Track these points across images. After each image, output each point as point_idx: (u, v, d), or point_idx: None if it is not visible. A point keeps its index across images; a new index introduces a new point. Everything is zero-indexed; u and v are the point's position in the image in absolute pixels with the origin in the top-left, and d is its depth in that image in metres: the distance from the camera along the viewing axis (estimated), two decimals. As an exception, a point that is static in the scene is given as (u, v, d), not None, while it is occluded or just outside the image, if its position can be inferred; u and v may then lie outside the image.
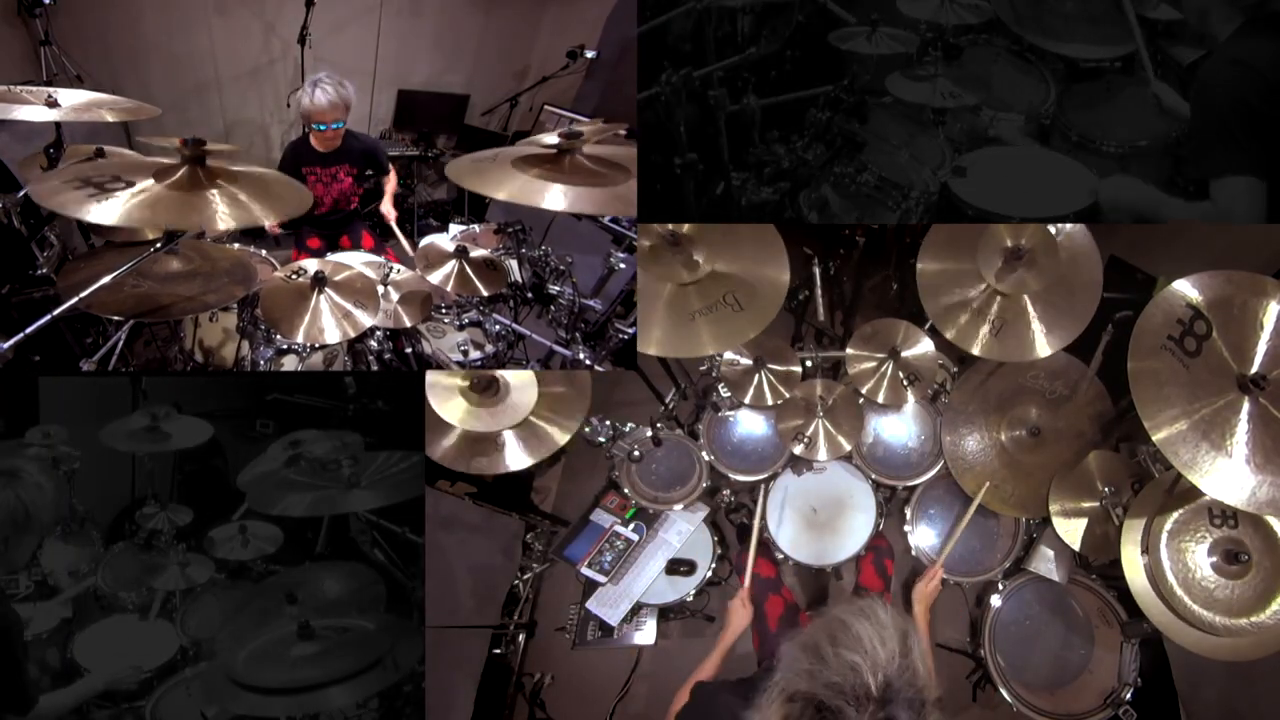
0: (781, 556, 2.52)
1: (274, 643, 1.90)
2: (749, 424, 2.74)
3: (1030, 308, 2.24)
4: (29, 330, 1.79)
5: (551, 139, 2.10)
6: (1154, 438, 1.74)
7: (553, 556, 2.92)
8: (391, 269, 2.76)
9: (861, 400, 2.54)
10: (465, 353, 2.64)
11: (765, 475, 2.60)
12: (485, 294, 2.71)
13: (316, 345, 2.56)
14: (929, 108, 2.21)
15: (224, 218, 1.80)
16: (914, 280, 2.32)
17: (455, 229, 3.36)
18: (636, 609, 2.57)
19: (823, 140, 2.24)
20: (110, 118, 2.33)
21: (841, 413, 2.51)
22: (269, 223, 3.02)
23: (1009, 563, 2.44)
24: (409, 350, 2.70)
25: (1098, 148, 2.19)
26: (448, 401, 2.14)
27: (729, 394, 2.55)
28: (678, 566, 2.58)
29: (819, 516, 2.55)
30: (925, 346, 2.50)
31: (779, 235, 2.19)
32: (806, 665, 1.11)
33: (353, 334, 2.37)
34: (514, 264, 2.95)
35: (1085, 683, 2.34)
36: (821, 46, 2.28)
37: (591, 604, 2.55)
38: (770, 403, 2.53)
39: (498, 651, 2.78)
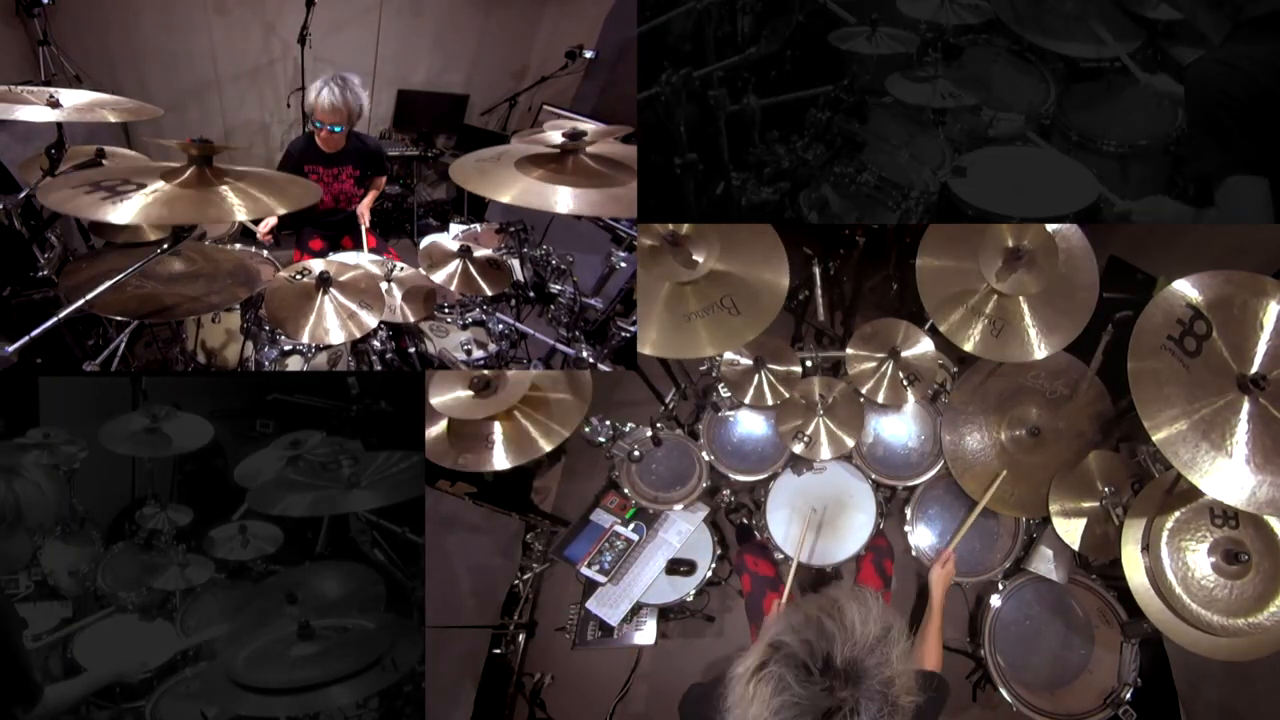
0: (781, 556, 2.52)
1: (274, 643, 1.89)
2: (749, 424, 2.74)
3: (1028, 308, 2.24)
4: (34, 333, 1.78)
5: (555, 137, 2.10)
6: (1154, 438, 1.74)
7: (553, 556, 2.92)
8: (395, 267, 2.76)
9: (861, 400, 2.54)
10: (468, 351, 2.64)
11: (765, 475, 2.60)
12: (489, 293, 2.71)
13: (320, 346, 2.55)
14: (929, 108, 2.21)
15: (238, 209, 1.80)
16: (914, 280, 2.32)
17: (456, 228, 3.36)
18: (636, 609, 2.57)
19: (823, 140, 2.24)
20: (112, 118, 2.32)
21: (841, 412, 2.51)
22: (263, 229, 3.04)
23: (1009, 563, 2.44)
24: (412, 350, 2.70)
25: (1098, 148, 2.19)
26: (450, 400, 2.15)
27: (729, 394, 2.55)
28: (678, 566, 2.58)
29: (819, 516, 2.55)
30: (925, 346, 2.50)
31: (778, 236, 2.19)
32: (793, 621, 1.18)
33: (358, 334, 2.37)
34: (516, 263, 2.95)
35: (1085, 683, 2.34)
36: (821, 46, 2.28)
37: (591, 604, 2.55)
38: (770, 403, 2.53)
39: (498, 651, 2.79)
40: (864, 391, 2.49)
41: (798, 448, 2.48)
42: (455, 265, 2.70)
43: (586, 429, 2.30)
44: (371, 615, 2.02)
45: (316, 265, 2.50)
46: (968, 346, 2.25)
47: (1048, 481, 2.34)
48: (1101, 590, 2.35)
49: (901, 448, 2.65)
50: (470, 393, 2.16)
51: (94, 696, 2.14)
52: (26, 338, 1.76)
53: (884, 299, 3.33)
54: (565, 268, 2.97)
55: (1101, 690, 2.29)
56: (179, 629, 2.35)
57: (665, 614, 2.69)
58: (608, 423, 2.35)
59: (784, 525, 2.54)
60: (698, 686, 1.67)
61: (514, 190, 1.95)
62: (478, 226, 3.34)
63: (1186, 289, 1.83)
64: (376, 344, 2.58)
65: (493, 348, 2.73)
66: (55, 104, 2.21)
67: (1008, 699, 2.27)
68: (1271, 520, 1.95)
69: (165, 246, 2.01)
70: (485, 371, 2.24)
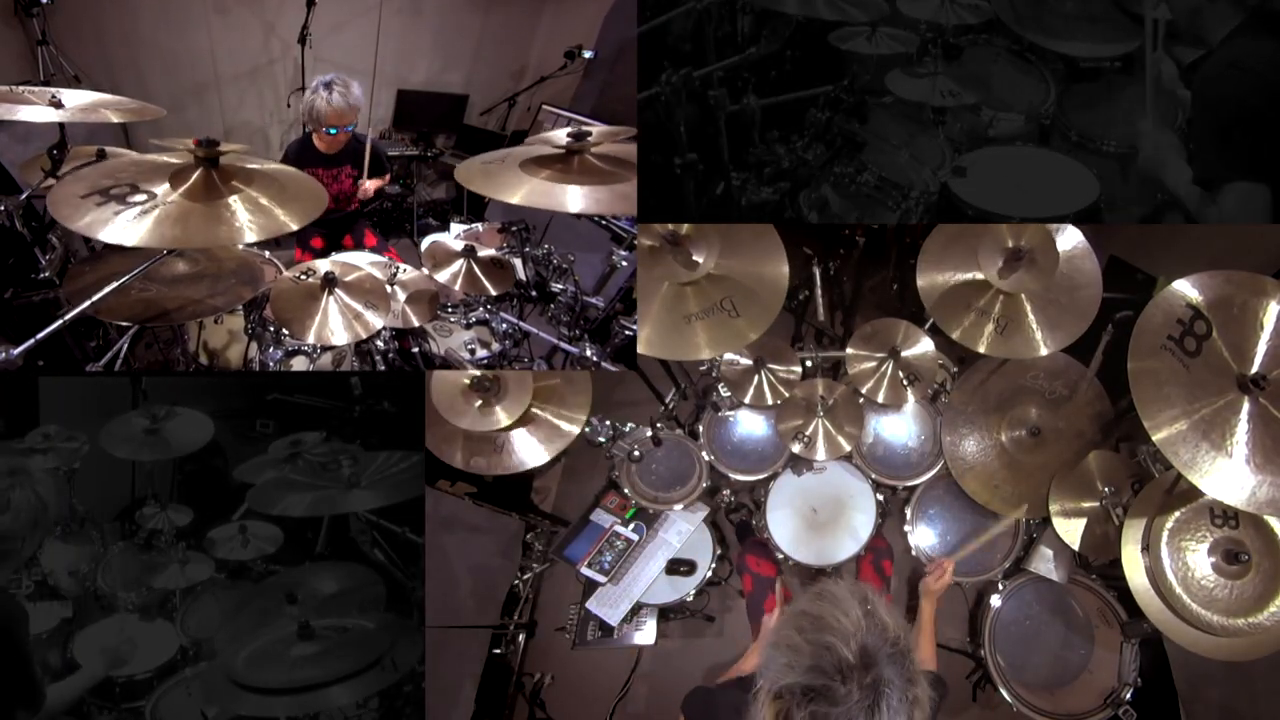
0: (781, 556, 2.52)
1: (274, 643, 1.90)
2: (749, 424, 2.74)
3: (1031, 306, 2.24)
4: (40, 336, 1.77)
5: (560, 137, 2.11)
6: (1154, 438, 1.74)
7: (553, 556, 2.92)
8: (398, 269, 2.76)
9: (861, 400, 2.54)
10: (472, 351, 2.64)
11: (765, 475, 2.60)
12: (494, 293, 2.70)
13: (324, 347, 2.55)
14: (929, 107, 2.21)
15: (250, 229, 1.76)
16: (914, 280, 2.32)
17: (458, 228, 3.36)
18: (636, 609, 2.57)
19: (823, 140, 2.24)
20: (115, 118, 2.30)
21: (841, 412, 2.51)
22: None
23: (1009, 563, 2.44)
24: (415, 350, 2.70)
25: (1098, 148, 2.19)
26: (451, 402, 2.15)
27: (729, 394, 2.55)
28: (678, 566, 2.58)
29: (819, 516, 2.55)
30: (925, 346, 2.50)
31: (779, 236, 2.19)
32: (783, 660, 1.14)
33: (364, 335, 2.36)
34: (518, 263, 2.95)
35: (1085, 683, 2.34)
36: (821, 46, 2.28)
37: (591, 604, 2.55)
38: (770, 403, 2.53)
39: (498, 651, 2.79)
40: (864, 391, 2.49)
41: (797, 448, 2.48)
42: (460, 265, 2.69)
43: (586, 429, 2.30)
44: (371, 615, 2.02)
45: (322, 265, 2.50)
46: (980, 347, 2.25)
47: (1048, 481, 2.34)
48: (1101, 590, 2.35)
49: (901, 448, 2.65)
50: (475, 397, 2.16)
51: (94, 696, 2.14)
52: (32, 341, 1.76)
53: (884, 299, 3.33)
54: (566, 267, 2.97)
55: (1101, 690, 2.29)
56: (179, 629, 2.35)
57: (665, 614, 2.69)
58: (608, 423, 2.35)
59: (784, 525, 2.54)
60: (700, 690, 1.67)
61: (522, 191, 1.97)
62: (479, 226, 3.34)
63: (1186, 289, 1.83)
64: (380, 344, 2.58)
65: (496, 347, 2.73)
66: (58, 104, 2.19)
67: (1008, 699, 2.27)
68: (1271, 520, 1.95)
69: (168, 250, 2.00)
70: (481, 372, 2.25)
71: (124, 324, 2.21)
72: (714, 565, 2.61)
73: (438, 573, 2.57)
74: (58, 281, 2.36)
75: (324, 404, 3.00)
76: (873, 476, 2.57)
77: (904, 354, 2.49)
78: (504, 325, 2.79)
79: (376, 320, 2.38)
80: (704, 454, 2.63)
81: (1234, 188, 1.80)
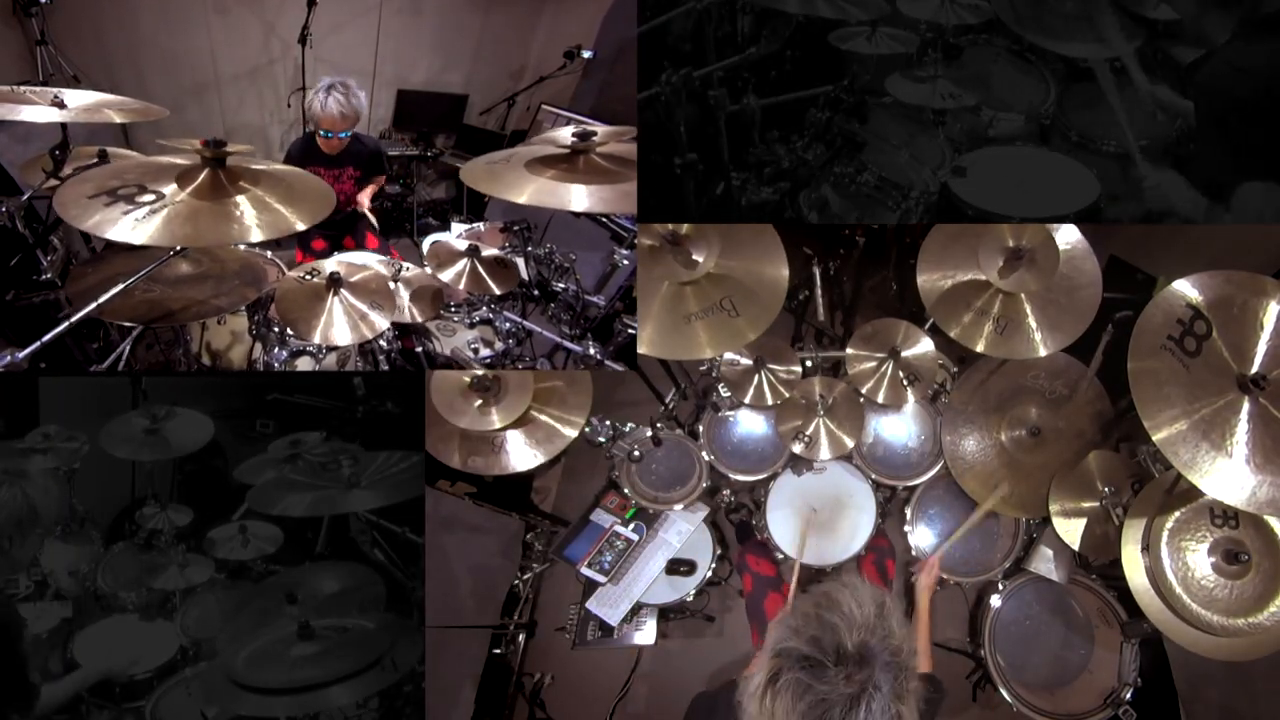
0: (781, 556, 2.52)
1: (274, 643, 1.89)
2: (749, 424, 2.74)
3: (1029, 308, 2.24)
4: (46, 339, 1.77)
5: (565, 137, 2.11)
6: (1154, 438, 1.74)
7: (553, 556, 2.92)
8: (401, 268, 2.75)
9: (861, 400, 2.54)
10: (475, 350, 2.64)
11: (765, 475, 2.60)
12: (498, 292, 2.70)
13: (329, 347, 2.55)
14: (929, 108, 2.21)
15: (259, 228, 1.77)
16: (914, 280, 2.32)
17: (459, 227, 3.36)
18: (636, 609, 2.57)
19: (823, 140, 2.24)
20: (118, 119, 2.29)
21: (841, 412, 2.51)
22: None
23: (1009, 563, 2.44)
24: (419, 350, 2.70)
25: (1098, 148, 2.19)
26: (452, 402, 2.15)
27: (729, 394, 2.55)
28: (678, 566, 2.58)
29: (819, 516, 2.55)
30: (925, 346, 2.50)
31: (778, 236, 2.19)
32: (792, 624, 1.19)
33: (370, 335, 2.36)
34: (520, 262, 2.95)
35: (1085, 683, 2.34)
36: (821, 46, 2.28)
37: (591, 604, 2.55)
38: (770, 403, 2.53)
39: (498, 651, 2.79)
40: (864, 391, 2.49)
41: (798, 448, 2.48)
42: (463, 264, 2.69)
43: (586, 429, 2.30)
44: (371, 615, 2.02)
45: (327, 266, 2.50)
46: (979, 347, 2.25)
47: (1048, 481, 2.34)
48: (1101, 590, 2.36)
49: (901, 448, 2.65)
50: (475, 397, 2.16)
51: (94, 696, 2.14)
52: (38, 343, 1.76)
53: (884, 299, 3.33)
54: (568, 266, 2.97)
55: (1101, 690, 2.29)
56: (179, 629, 2.35)
57: (665, 614, 2.69)
58: (608, 423, 2.35)
59: (784, 525, 2.54)
60: (704, 696, 1.66)
61: (528, 190, 1.97)
62: (481, 225, 3.33)
63: (1186, 289, 1.83)
64: (384, 344, 2.58)
65: (499, 345, 2.73)
66: (61, 104, 2.18)
67: (1008, 699, 2.28)
68: (1271, 520, 1.95)
69: (176, 250, 2.00)
70: (481, 372, 2.25)
71: (128, 324, 2.20)
72: (714, 565, 2.61)
73: (438, 573, 2.56)
74: (59, 283, 2.36)
75: (324, 404, 3.00)
76: (873, 476, 2.57)
77: (904, 354, 2.49)
78: (507, 324, 2.78)
79: (382, 321, 2.38)
80: (704, 454, 2.63)
81: (1248, 188, 1.80)
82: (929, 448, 2.59)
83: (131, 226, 1.67)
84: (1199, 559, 1.96)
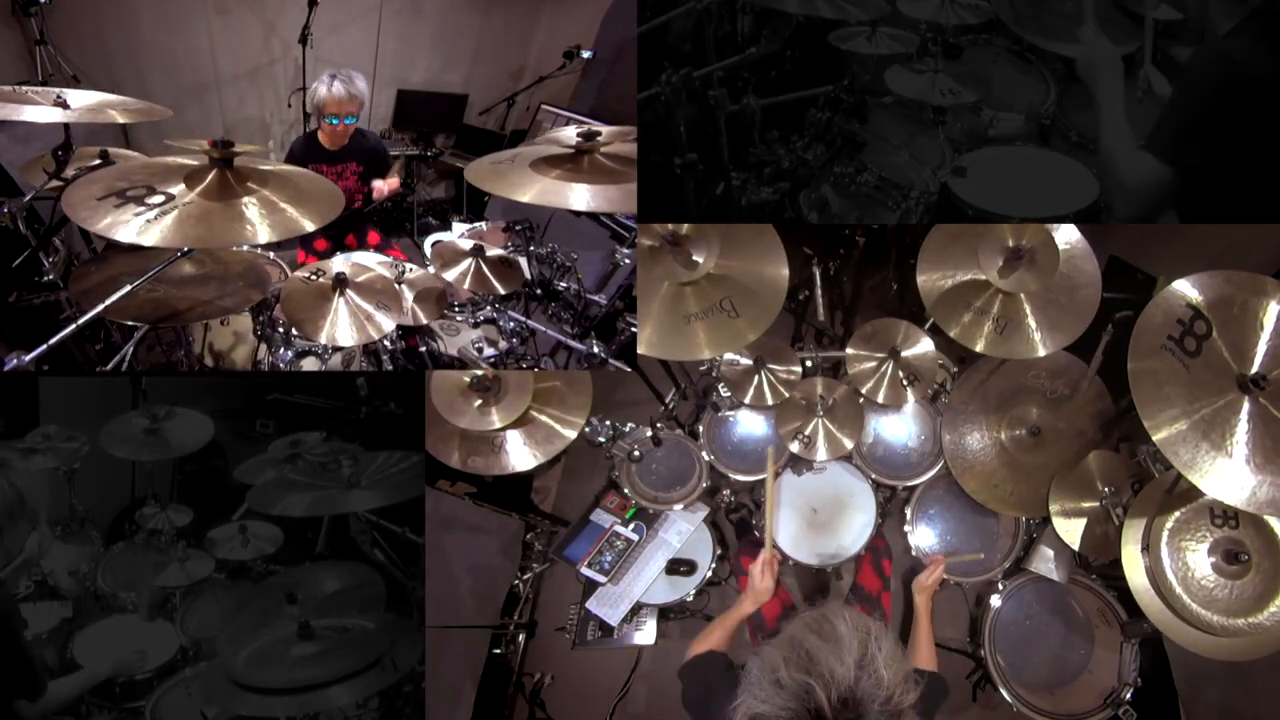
0: (781, 556, 2.51)
1: (274, 643, 1.90)
2: (749, 424, 2.74)
3: (1029, 308, 2.24)
4: (52, 341, 1.77)
5: (570, 137, 2.11)
6: (1154, 438, 1.74)
7: (553, 556, 2.92)
8: (405, 268, 2.75)
9: (861, 400, 2.54)
10: (479, 350, 2.64)
11: (765, 475, 2.59)
12: (503, 292, 2.69)
13: (334, 347, 2.55)
14: (929, 107, 2.21)
15: (268, 229, 1.76)
16: (914, 280, 2.32)
17: (460, 227, 3.36)
18: (636, 609, 2.57)
19: (823, 140, 2.24)
20: (121, 119, 2.29)
21: (841, 413, 2.51)
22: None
23: (1009, 563, 2.44)
24: (423, 349, 2.70)
25: (1098, 148, 2.18)
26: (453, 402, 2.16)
27: (729, 394, 2.55)
28: (678, 566, 2.58)
29: (819, 516, 2.55)
30: (925, 346, 2.50)
31: (778, 236, 2.19)
32: (766, 687, 1.15)
33: (376, 336, 2.35)
34: (523, 261, 2.95)
35: (1085, 683, 2.34)
36: (821, 46, 2.28)
37: (591, 604, 2.55)
38: (770, 403, 2.53)
39: (498, 651, 2.79)
40: (864, 391, 2.49)
41: (797, 448, 2.48)
42: (468, 264, 2.68)
43: (586, 429, 2.30)
44: (371, 615, 2.02)
45: (333, 265, 2.49)
46: (979, 347, 2.25)
47: (1048, 481, 2.34)
48: (1101, 590, 2.36)
49: (901, 448, 2.65)
50: (475, 397, 2.16)
51: (94, 696, 2.14)
52: (44, 346, 1.75)
53: (884, 299, 3.33)
54: (570, 265, 2.97)
55: (1101, 690, 2.29)
56: (179, 629, 2.35)
57: (665, 614, 2.69)
58: (608, 423, 2.35)
59: (784, 525, 2.54)
60: (713, 655, 1.67)
61: (534, 190, 1.98)
62: (483, 225, 3.33)
63: (1186, 289, 1.83)
64: (388, 344, 2.58)
65: (503, 345, 2.73)
66: (63, 105, 2.18)
67: (1008, 699, 2.27)
68: (1271, 520, 1.95)
69: (182, 251, 1.99)
70: (481, 371, 2.25)
71: (132, 325, 2.20)
72: (714, 565, 2.61)
73: (438, 573, 2.57)
74: (62, 284, 2.36)
75: (324, 404, 3.01)
76: (873, 476, 2.57)
77: (904, 354, 2.49)
78: (511, 324, 2.78)
79: (388, 321, 2.38)
80: (704, 454, 2.63)
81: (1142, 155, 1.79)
82: (929, 448, 2.59)
83: (142, 228, 1.67)
84: (1199, 559, 1.95)
